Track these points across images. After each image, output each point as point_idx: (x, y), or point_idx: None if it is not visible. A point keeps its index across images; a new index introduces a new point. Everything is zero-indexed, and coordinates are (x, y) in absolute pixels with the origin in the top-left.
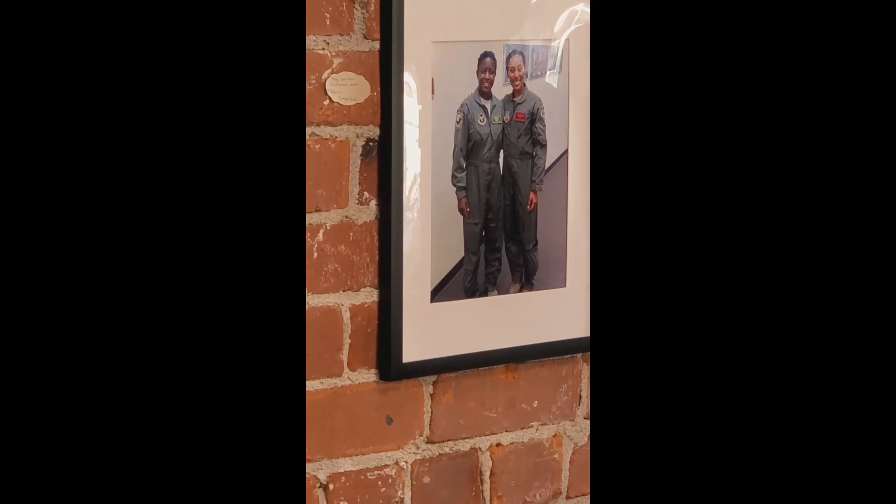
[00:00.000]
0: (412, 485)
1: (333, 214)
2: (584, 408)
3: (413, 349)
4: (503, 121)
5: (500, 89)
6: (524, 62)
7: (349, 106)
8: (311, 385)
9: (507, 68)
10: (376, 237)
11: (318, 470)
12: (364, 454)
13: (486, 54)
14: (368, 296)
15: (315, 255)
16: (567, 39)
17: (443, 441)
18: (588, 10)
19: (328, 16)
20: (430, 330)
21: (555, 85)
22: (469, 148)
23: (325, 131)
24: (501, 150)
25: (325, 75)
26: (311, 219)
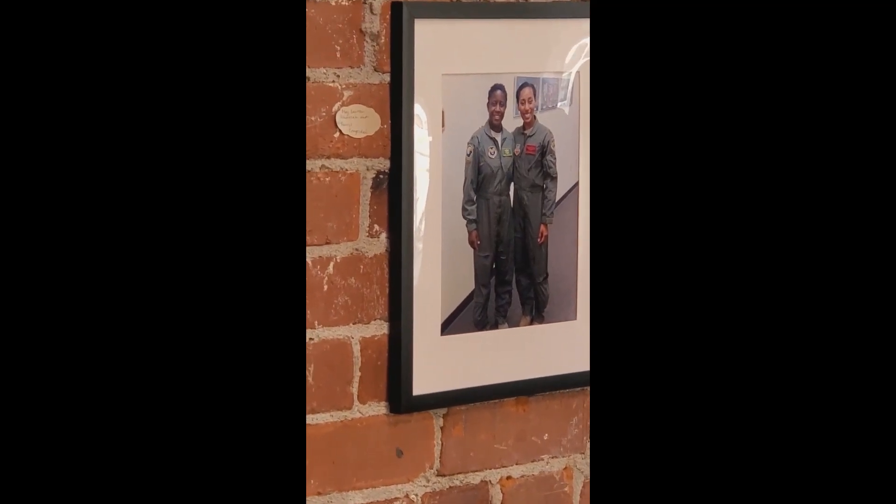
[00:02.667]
0: None
1: (343, 247)
2: None
3: (423, 382)
4: (514, 153)
5: (511, 122)
6: (535, 95)
7: (359, 138)
8: (321, 418)
9: (517, 101)
10: (386, 270)
11: (328, 503)
12: (374, 487)
13: (496, 87)
14: (378, 328)
15: (325, 287)
16: (578, 72)
17: (453, 474)
18: None
19: (338, 48)
20: (440, 363)
21: (565, 117)
22: (479, 180)
23: (336, 164)
24: (512, 183)
25: (335, 108)
26: (322, 251)
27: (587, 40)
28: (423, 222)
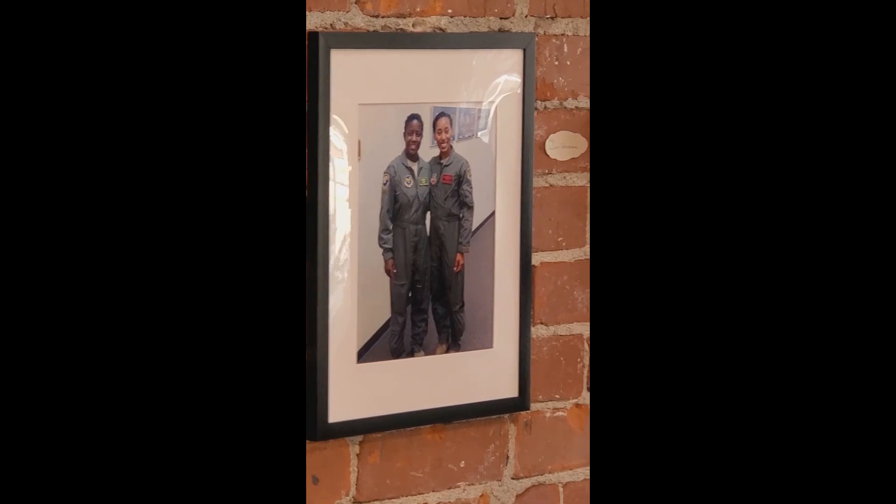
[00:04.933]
0: None
1: None
2: (511, 468)
3: (339, 409)
4: (430, 182)
5: (428, 151)
6: (451, 124)
7: None
8: None
9: (434, 130)
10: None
11: None
12: None
13: (412, 116)
14: None
15: None
16: (496, 104)
17: (369, 501)
18: (518, 79)
19: None
20: (356, 390)
21: (482, 147)
22: (396, 209)
23: None
24: (428, 212)
25: None
26: None
27: (505, 77)
28: (342, 251)
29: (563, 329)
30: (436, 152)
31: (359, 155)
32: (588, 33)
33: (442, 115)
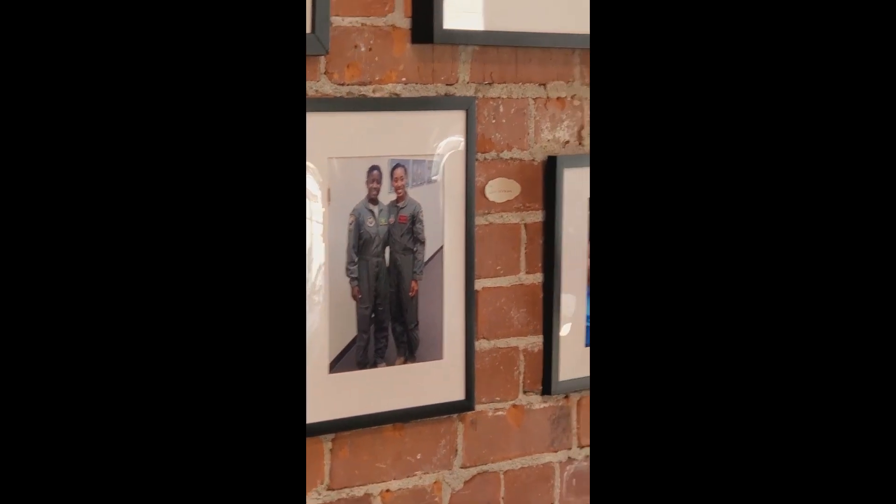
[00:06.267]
0: None
1: None
2: (460, 459)
3: (314, 412)
4: (389, 222)
5: (386, 196)
6: (406, 174)
7: None
8: None
9: (391, 179)
10: None
11: None
12: None
13: (373, 167)
14: None
15: None
16: (443, 156)
17: (341, 488)
18: (461, 136)
19: None
20: (328, 396)
21: (432, 192)
22: (360, 245)
23: None
24: (388, 247)
25: None
26: None
27: (451, 133)
28: (317, 278)
29: (501, 343)
30: (393, 197)
31: (328, 200)
32: (521, 96)
33: (398, 165)
